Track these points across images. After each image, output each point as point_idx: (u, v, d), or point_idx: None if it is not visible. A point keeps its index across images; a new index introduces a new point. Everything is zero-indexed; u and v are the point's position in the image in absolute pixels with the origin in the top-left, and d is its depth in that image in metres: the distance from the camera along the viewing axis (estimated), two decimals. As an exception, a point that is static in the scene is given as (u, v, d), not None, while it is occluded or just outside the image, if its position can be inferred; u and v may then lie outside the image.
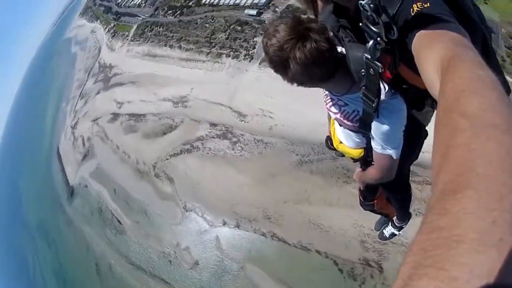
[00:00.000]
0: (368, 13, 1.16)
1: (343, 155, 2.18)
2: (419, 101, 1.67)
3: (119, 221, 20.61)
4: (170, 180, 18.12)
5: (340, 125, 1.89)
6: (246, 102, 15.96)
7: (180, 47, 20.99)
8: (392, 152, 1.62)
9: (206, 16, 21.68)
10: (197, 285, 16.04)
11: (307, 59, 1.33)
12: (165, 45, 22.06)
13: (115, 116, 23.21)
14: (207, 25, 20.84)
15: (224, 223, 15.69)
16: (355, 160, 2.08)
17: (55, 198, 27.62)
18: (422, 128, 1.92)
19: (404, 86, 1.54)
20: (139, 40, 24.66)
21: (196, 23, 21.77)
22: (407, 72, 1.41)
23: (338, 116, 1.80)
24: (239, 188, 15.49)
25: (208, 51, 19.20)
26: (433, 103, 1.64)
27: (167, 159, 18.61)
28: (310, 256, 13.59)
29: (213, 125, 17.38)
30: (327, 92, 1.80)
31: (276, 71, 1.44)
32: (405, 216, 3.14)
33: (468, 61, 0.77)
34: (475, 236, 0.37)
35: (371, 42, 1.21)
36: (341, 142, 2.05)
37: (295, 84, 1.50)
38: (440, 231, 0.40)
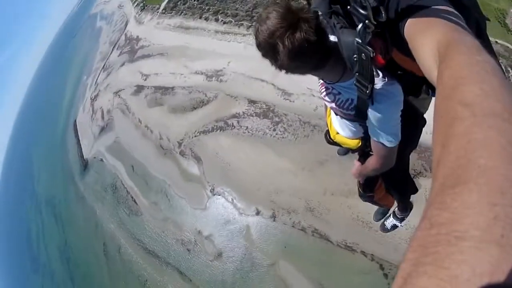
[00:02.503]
0: None
1: (346, 153, 2.30)
2: (415, 87, 1.57)
3: (134, 201, 18.03)
4: (198, 160, 15.50)
5: (336, 115, 1.84)
6: (292, 79, 13.26)
7: (217, 20, 18.40)
8: (390, 139, 1.56)
9: (247, -10, 19.05)
10: (217, 279, 13.43)
11: (296, 48, 1.31)
12: (200, 18, 19.48)
13: (140, 88, 20.62)
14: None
15: (258, 212, 13.09)
16: (353, 151, 2.05)
17: (67, 171, 25.14)
18: (420, 115, 1.85)
19: (399, 72, 1.46)
20: (170, 13, 22.06)
21: (235, -3, 19.19)
22: (401, 58, 1.35)
23: (333, 105, 1.75)
24: (279, 174, 12.88)
25: (250, 24, 16.61)
26: (429, 90, 1.56)
27: (195, 136, 15.99)
28: (355, 257, 11.17)
29: (252, 102, 14.74)
30: (321, 81, 1.75)
31: (265, 56, 1.43)
32: (406, 207, 3.13)
33: (466, 46, 0.72)
34: (476, 232, 0.36)
35: (360, 25, 1.19)
36: (338, 133, 1.99)
37: (283, 71, 1.48)
38: (440, 227, 0.39)
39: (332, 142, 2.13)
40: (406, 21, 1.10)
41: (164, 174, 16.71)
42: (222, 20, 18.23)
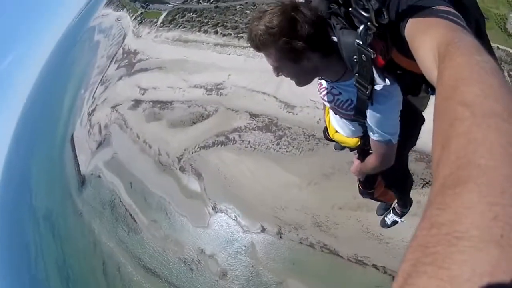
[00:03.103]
0: None
1: (342, 148, 2.11)
2: (414, 86, 1.55)
3: (133, 219, 17.33)
4: (198, 176, 14.86)
5: (335, 114, 1.81)
6: (295, 91, 12.91)
7: (216, 32, 17.98)
8: (389, 139, 1.57)
9: (246, 2, 18.72)
10: (223, 299, 12.81)
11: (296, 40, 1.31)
12: (199, 31, 19.06)
13: (137, 103, 20.05)
14: (248, 11, 17.86)
15: (263, 230, 12.44)
16: (352, 149, 2.03)
17: (65, 187, 24.50)
18: (419, 114, 1.86)
19: (398, 72, 1.46)
20: (168, 26, 21.71)
21: (235, 9, 18.85)
22: (401, 58, 1.35)
23: (332, 105, 1.73)
24: (285, 190, 12.27)
25: (250, 37, 16.01)
26: (428, 89, 1.54)
27: (195, 151, 15.37)
28: (366, 271, 10.61)
29: (254, 115, 14.18)
30: (320, 81, 1.74)
31: (259, 50, 1.39)
32: (406, 203, 3.10)
33: (465, 46, 0.73)
34: (476, 232, 0.35)
35: (361, 27, 1.17)
36: (337, 132, 1.97)
37: (280, 73, 1.48)
38: (440, 227, 0.38)
39: (330, 139, 2.10)
40: (407, 21, 1.08)
41: (164, 191, 16.03)
42: (221, 33, 17.80)
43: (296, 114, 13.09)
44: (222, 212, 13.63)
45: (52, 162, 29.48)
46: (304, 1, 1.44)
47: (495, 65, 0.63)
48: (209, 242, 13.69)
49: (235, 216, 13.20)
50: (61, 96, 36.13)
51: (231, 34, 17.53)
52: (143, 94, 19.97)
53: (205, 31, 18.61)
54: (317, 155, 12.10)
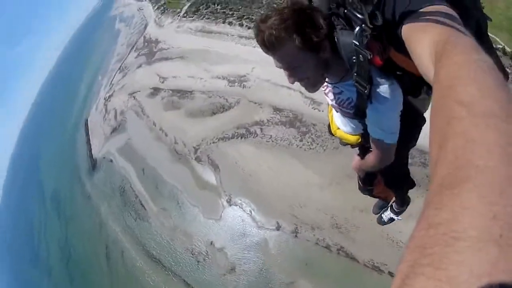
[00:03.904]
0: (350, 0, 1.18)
1: (346, 144, 2.11)
2: (415, 87, 1.55)
3: (142, 205, 16.73)
4: (215, 167, 14.24)
5: (337, 112, 1.86)
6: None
7: (241, 25, 17.37)
8: (389, 138, 1.57)
9: (273, -5, 18.11)
10: (228, 295, 12.16)
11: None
12: (223, 22, 18.44)
13: (156, 90, 19.48)
14: (275, 5, 17.08)
15: (278, 227, 11.79)
16: (353, 146, 2.05)
17: (75, 169, 23.97)
18: (419, 115, 1.79)
19: (398, 73, 1.45)
20: (192, 17, 21.10)
21: (261, 3, 18.23)
22: (400, 58, 1.32)
23: (333, 102, 1.77)
24: (305, 188, 11.63)
25: (276, 30, 15.40)
26: (429, 90, 1.54)
27: (213, 142, 14.76)
28: (382, 278, 10.00)
29: (278, 110, 13.56)
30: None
31: (273, 51, 1.35)
32: (404, 201, 3.11)
33: (463, 45, 0.72)
34: (474, 232, 0.35)
35: (357, 29, 1.18)
36: (338, 128, 2.00)
37: (289, 71, 1.43)
38: (438, 227, 0.37)
39: (334, 135, 2.13)
40: (404, 22, 1.05)
41: (177, 180, 15.43)
42: (246, 25, 17.20)
43: (322, 111, 12.41)
44: (236, 206, 13.01)
45: (64, 145, 29.05)
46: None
47: (492, 64, 0.61)
48: (220, 235, 13.06)
49: (250, 211, 12.57)
50: (78, 81, 35.72)
51: (257, 27, 16.98)
52: (162, 82, 19.41)
53: (230, 23, 18.03)
54: (342, 155, 11.39)
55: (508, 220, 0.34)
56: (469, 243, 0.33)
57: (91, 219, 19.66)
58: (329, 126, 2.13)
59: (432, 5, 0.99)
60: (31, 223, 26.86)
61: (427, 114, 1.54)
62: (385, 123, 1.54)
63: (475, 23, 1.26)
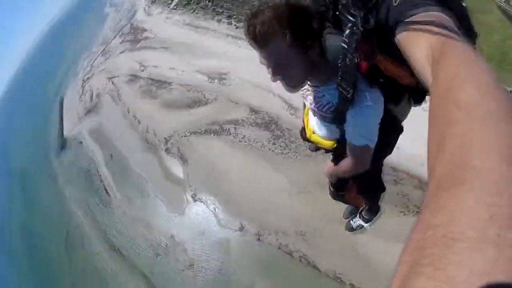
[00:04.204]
0: (343, 1, 1.13)
1: (317, 149, 2.04)
2: (396, 95, 1.51)
3: (106, 191, 15.52)
4: (184, 161, 13.32)
5: (314, 115, 1.78)
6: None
7: (229, 23, 16.52)
8: (366, 144, 1.50)
9: (265, -2, 17.31)
10: (185, 291, 11.28)
11: (298, 29, 1.24)
12: (212, 19, 17.47)
13: (135, 78, 18.26)
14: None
15: (242, 228, 11.05)
16: (327, 151, 1.97)
17: (45, 147, 22.14)
18: (398, 123, 1.76)
19: (381, 80, 1.40)
20: (182, 10, 19.98)
21: (253, 4, 17.33)
22: (386, 64, 1.28)
23: (312, 106, 1.69)
24: (273, 192, 10.98)
25: (264, 33, 14.61)
26: (410, 98, 1.55)
27: (185, 135, 13.82)
28: None
29: (254, 111, 12.83)
30: None
31: (263, 45, 1.29)
32: (374, 210, 3.01)
33: (460, 48, 0.71)
34: (472, 233, 0.34)
35: (347, 31, 1.13)
36: (314, 132, 1.91)
37: (276, 75, 1.39)
38: (436, 228, 0.37)
39: (307, 140, 2.00)
40: (399, 27, 1.00)
41: (144, 170, 14.40)
42: (235, 25, 16.35)
43: (299, 117, 11.79)
44: (201, 202, 12.19)
45: (37, 121, 26.90)
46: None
47: (489, 67, 0.59)
48: (182, 230, 12.20)
49: (214, 209, 11.79)
50: (59, 59, 33.57)
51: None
52: (142, 70, 18.22)
53: (219, 20, 17.13)
54: (313, 163, 10.82)
55: (505, 220, 0.33)
56: (467, 244, 0.32)
57: (55, 200, 18.15)
58: (302, 131, 2.04)
59: (428, 11, 0.94)
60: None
61: (405, 123, 1.74)
62: (365, 130, 1.46)
63: (465, 28, 1.12)
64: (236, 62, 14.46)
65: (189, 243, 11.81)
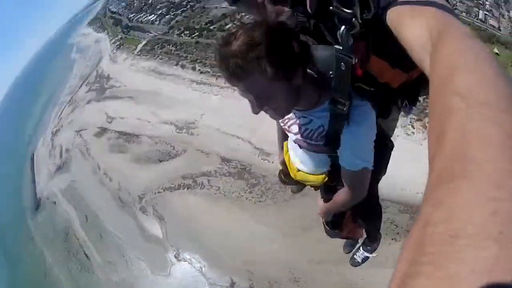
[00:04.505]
0: None
1: (300, 190, 1.92)
2: (386, 106, 1.34)
3: (86, 255, 14.15)
4: (160, 219, 12.25)
5: (300, 148, 1.53)
6: (272, 138, 10.60)
7: (194, 69, 15.74)
8: (365, 167, 1.28)
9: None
10: None
11: (277, 54, 1.02)
12: (176, 65, 16.68)
13: (103, 130, 17.05)
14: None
15: (232, 284, 10.09)
16: (316, 188, 1.76)
17: (20, 207, 20.54)
18: (388, 138, 1.56)
19: (371, 89, 1.20)
20: (146, 56, 19.13)
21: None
22: (378, 64, 1.11)
23: (298, 136, 1.44)
24: (257, 241, 10.14)
25: (228, 77, 13.94)
26: (401, 105, 1.37)
27: (159, 192, 12.76)
28: None
29: (226, 160, 11.98)
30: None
31: (238, 81, 1.05)
32: (376, 237, 2.76)
33: (458, 33, 0.64)
34: (473, 230, 0.32)
35: (342, 28, 0.95)
36: (299, 170, 1.63)
37: (257, 103, 1.14)
38: (436, 225, 0.35)
39: (287, 182, 1.75)
40: (390, 7, 0.88)
41: (121, 231, 13.21)
42: (199, 69, 15.58)
43: (272, 162, 10.97)
44: (185, 261, 11.15)
45: (11, 178, 24.95)
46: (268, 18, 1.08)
47: (489, 53, 0.54)
48: (170, 293, 10.98)
49: (200, 268, 10.78)
50: (29, 111, 31.54)
51: (209, 72, 15.32)
52: (110, 122, 17.05)
53: (182, 66, 16.31)
54: (293, 207, 10.11)
55: (507, 216, 0.31)
56: (468, 241, 0.30)
57: (36, 264, 16.52)
58: (280, 173, 1.78)
59: None
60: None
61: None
62: (362, 149, 1.26)
63: None
64: (203, 109, 13.63)
65: (179, 307, 10.67)
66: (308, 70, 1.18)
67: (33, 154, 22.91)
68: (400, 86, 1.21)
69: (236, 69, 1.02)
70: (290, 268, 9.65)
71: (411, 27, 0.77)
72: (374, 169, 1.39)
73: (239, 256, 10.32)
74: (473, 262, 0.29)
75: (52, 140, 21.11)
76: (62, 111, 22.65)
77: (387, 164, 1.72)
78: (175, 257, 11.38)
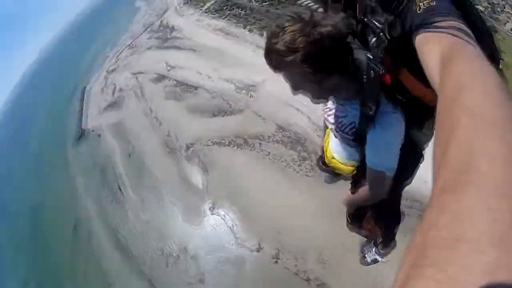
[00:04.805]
0: (372, 5, 1.11)
1: (333, 181, 2.04)
2: (419, 117, 1.44)
3: (120, 189, 14.88)
4: (204, 170, 12.64)
5: (336, 137, 1.68)
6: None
7: (261, 35, 15.75)
8: (386, 169, 1.40)
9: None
10: (191, 307, 10.58)
11: (315, 48, 1.14)
12: (244, 28, 16.74)
13: (160, 77, 17.61)
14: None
15: (259, 248, 10.29)
16: (352, 178, 1.89)
17: (62, 136, 21.48)
18: (419, 150, 1.66)
19: (404, 100, 1.33)
20: (214, 14, 19.30)
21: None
22: (410, 80, 1.23)
23: (334, 126, 1.62)
24: (296, 214, 10.20)
25: (295, 47, 13.82)
26: (433, 125, 1.28)
27: (208, 145, 13.14)
28: None
29: (281, 128, 12.11)
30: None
31: (277, 70, 1.28)
32: (390, 243, 2.84)
33: (468, 55, 0.69)
34: (475, 235, 0.34)
35: (373, 40, 1.12)
36: (333, 158, 1.78)
37: (299, 90, 1.34)
38: (439, 230, 0.37)
39: (324, 168, 1.87)
40: (418, 34, 0.98)
41: (162, 174, 13.77)
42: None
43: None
44: (218, 216, 11.45)
45: (58, 109, 26.28)
46: (323, 15, 1.20)
47: (497, 75, 0.57)
48: (196, 242, 11.51)
49: (232, 225, 11.06)
50: (85, 49, 33.07)
51: (276, 40, 15.28)
52: (169, 70, 17.54)
53: (250, 30, 16.37)
54: (339, 189, 9.89)
55: (508, 224, 0.32)
56: (470, 246, 0.32)
57: (67, 189, 17.49)
58: (319, 158, 2.01)
59: (447, 19, 0.91)
60: (8, 177, 24.03)
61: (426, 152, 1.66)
62: (385, 153, 1.36)
63: (487, 49, 1.01)
64: (265, 75, 13.70)
65: (202, 257, 11.12)
66: (345, 72, 1.27)
67: (84, 88, 24.21)
68: (432, 104, 1.27)
69: (276, 63, 1.20)
70: (319, 248, 9.65)
71: (430, 53, 0.83)
72: (399, 176, 1.45)
73: (272, 223, 10.45)
74: (474, 267, 0.31)
75: (107, 78, 22.07)
76: (120, 53, 23.59)
77: (414, 174, 1.78)
78: (210, 209, 11.78)
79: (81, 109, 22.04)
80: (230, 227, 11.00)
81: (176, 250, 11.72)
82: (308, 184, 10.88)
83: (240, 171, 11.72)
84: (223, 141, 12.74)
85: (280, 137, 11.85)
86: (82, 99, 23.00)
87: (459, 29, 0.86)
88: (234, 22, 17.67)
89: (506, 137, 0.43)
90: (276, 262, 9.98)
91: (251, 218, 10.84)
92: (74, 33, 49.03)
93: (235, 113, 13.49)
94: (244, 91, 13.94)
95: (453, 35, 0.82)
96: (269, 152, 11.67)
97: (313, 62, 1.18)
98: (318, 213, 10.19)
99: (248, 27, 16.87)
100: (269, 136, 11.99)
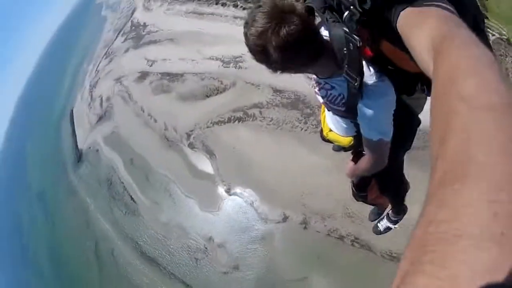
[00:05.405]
0: None
1: (340, 149, 2.01)
2: (408, 85, 1.48)
3: (132, 198, 14.83)
4: (210, 154, 12.46)
5: (329, 110, 1.73)
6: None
7: (235, 6, 15.38)
8: (380, 137, 1.45)
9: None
10: (232, 296, 10.53)
11: (283, 43, 1.19)
12: (216, 4, 16.34)
13: (144, 75, 17.40)
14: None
15: (285, 218, 10.15)
16: (346, 150, 1.94)
17: (61, 163, 21.60)
18: (414, 115, 1.73)
19: (390, 68, 1.38)
20: (182, 0, 18.84)
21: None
22: (392, 50, 1.25)
23: (325, 100, 1.65)
24: (312, 173, 10.00)
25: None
26: (424, 88, 1.47)
27: (208, 127, 12.92)
28: None
29: (278, 91, 11.81)
30: (314, 76, 1.65)
31: (259, 61, 1.32)
32: (400, 209, 2.94)
33: (461, 39, 0.68)
34: (475, 231, 0.33)
35: (346, 13, 1.14)
36: (331, 130, 1.85)
37: (278, 72, 1.37)
38: (439, 225, 0.37)
39: (326, 140, 1.97)
40: (398, 11, 0.98)
41: (169, 170, 13.60)
42: (241, 6, 15.20)
43: (327, 91, 10.73)
44: (237, 196, 11.33)
45: (49, 138, 26.38)
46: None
47: (491, 57, 0.58)
48: (220, 229, 11.37)
49: (252, 201, 10.90)
50: (63, 72, 32.95)
51: (252, 7, 14.90)
52: (151, 65, 17.32)
53: (223, 4, 16.00)
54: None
55: (509, 218, 0.32)
56: (470, 242, 0.32)
57: (78, 215, 17.54)
58: (321, 131, 1.98)
59: (432, 1, 0.88)
60: (19, 222, 24.23)
61: (422, 115, 1.68)
62: (377, 123, 1.41)
63: (472, 19, 1.13)
64: (250, 42, 13.39)
65: (229, 242, 11.00)
66: (323, 50, 1.31)
67: (72, 110, 24.19)
68: (418, 73, 1.21)
69: (252, 51, 1.25)
70: (344, 202, 9.43)
71: (418, 37, 0.81)
72: (398, 143, 1.50)
73: (292, 189, 10.26)
74: (474, 263, 0.30)
75: (91, 93, 21.95)
76: (98, 64, 23.43)
77: (412, 139, 1.84)
78: (226, 192, 11.60)
79: (73, 131, 22.09)
80: (251, 204, 10.83)
81: (201, 242, 11.62)
82: (318, 140, 10.49)
83: (246, 145, 11.48)
84: (222, 119, 12.45)
85: (279, 100, 11.55)
86: (71, 121, 23.04)
87: (444, 9, 0.84)
88: (205, 1, 17.31)
89: (503, 123, 0.42)
90: (305, 227, 9.84)
91: (269, 189, 10.61)
92: (49, 59, 49.04)
93: (228, 88, 13.17)
94: (231, 64, 13.57)
95: (440, 16, 0.81)
96: (271, 118, 11.37)
97: (280, 59, 1.24)
98: (333, 166, 9.90)
99: (220, 2, 16.49)
100: (267, 102, 11.68)
